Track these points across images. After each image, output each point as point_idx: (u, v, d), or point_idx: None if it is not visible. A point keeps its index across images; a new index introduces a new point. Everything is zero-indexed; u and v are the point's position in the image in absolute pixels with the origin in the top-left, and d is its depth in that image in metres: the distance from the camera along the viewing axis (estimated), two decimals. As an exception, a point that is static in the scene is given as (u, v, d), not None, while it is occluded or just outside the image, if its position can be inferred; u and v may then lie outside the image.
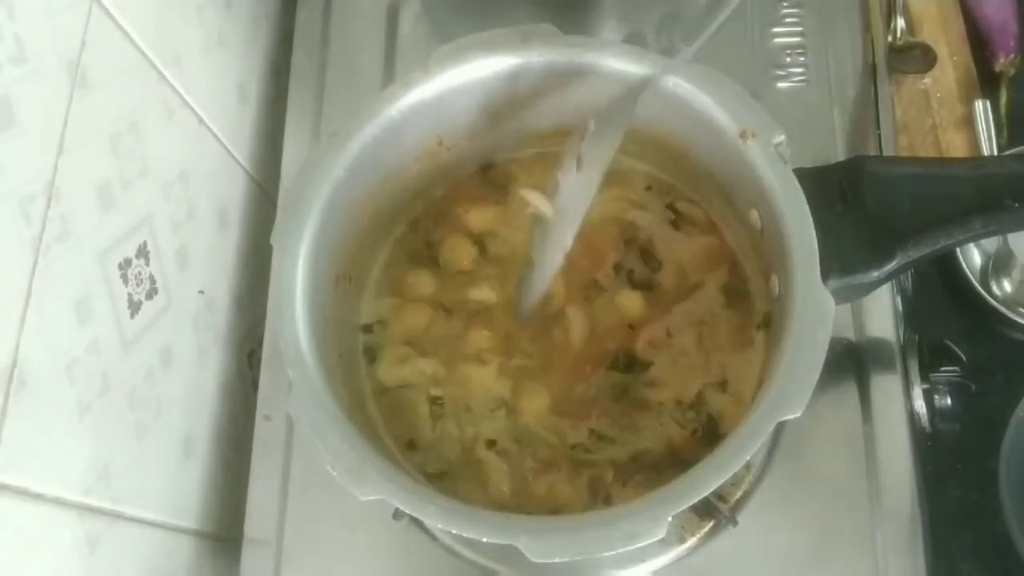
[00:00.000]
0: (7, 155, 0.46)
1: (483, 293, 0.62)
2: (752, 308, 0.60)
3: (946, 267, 0.74)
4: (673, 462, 0.57)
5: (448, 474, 0.57)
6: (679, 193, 0.64)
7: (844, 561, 0.61)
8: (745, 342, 0.60)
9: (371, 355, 0.61)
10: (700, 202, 0.63)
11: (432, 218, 0.65)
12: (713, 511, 0.62)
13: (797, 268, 0.51)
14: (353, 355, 0.61)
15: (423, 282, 0.63)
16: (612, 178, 0.64)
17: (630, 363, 0.60)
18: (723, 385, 0.59)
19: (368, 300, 0.63)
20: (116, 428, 0.57)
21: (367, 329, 0.62)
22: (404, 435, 0.59)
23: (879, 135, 0.73)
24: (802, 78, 0.74)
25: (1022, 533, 0.64)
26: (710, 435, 0.57)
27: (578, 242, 0.58)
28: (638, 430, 0.58)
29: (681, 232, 0.63)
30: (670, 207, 0.63)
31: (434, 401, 0.59)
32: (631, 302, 0.61)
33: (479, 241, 0.64)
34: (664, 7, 0.76)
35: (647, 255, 0.62)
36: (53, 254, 0.50)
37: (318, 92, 0.77)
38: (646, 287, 0.62)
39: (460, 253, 0.63)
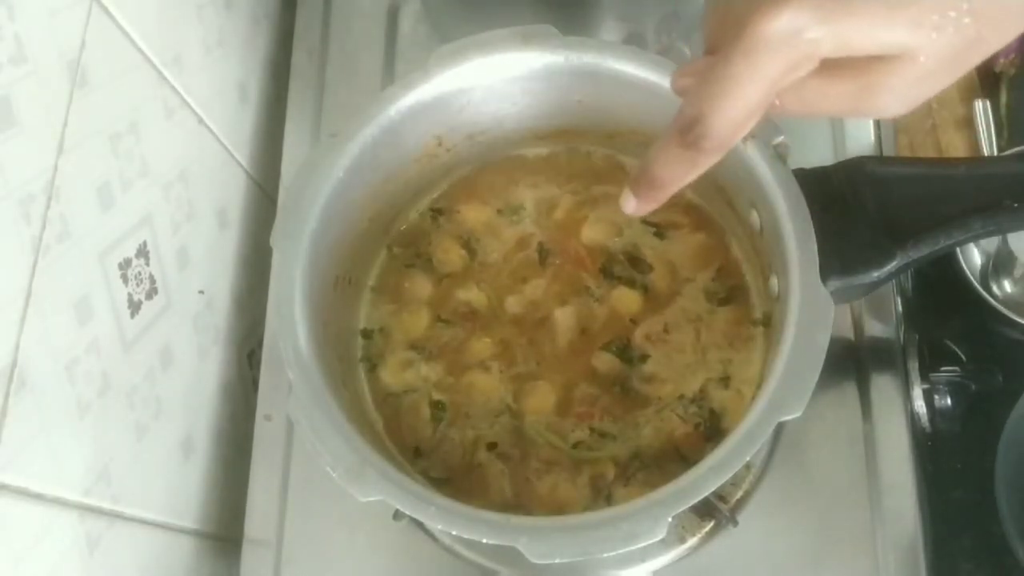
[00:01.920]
0: (7, 155, 0.46)
1: (471, 294, 0.62)
2: (748, 302, 0.60)
3: (946, 267, 0.74)
4: (675, 458, 0.57)
5: (452, 479, 0.57)
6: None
7: (844, 561, 0.61)
8: (744, 337, 0.60)
9: (370, 362, 0.61)
10: (686, 197, 0.63)
11: (429, 220, 0.65)
12: (713, 511, 0.62)
13: (797, 268, 0.51)
14: (352, 359, 0.61)
15: (420, 286, 0.63)
16: (592, 199, 0.64)
17: (625, 348, 0.60)
18: (725, 381, 0.59)
19: (367, 305, 0.63)
20: (116, 428, 0.57)
21: (366, 335, 0.62)
22: (408, 441, 0.59)
23: (879, 135, 0.73)
24: (802, 78, 0.74)
25: (1018, 532, 0.64)
26: (712, 430, 0.57)
27: (565, 256, 0.61)
28: (639, 426, 0.58)
29: (666, 239, 0.63)
30: (646, 222, 0.63)
31: (435, 406, 0.59)
32: (629, 298, 0.61)
33: (473, 244, 0.64)
34: (664, 7, 0.76)
35: (636, 261, 0.62)
36: (53, 254, 0.50)
37: (318, 92, 0.77)
38: (640, 288, 0.62)
39: (452, 255, 0.63)
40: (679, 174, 0.42)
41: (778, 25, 0.35)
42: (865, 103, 0.38)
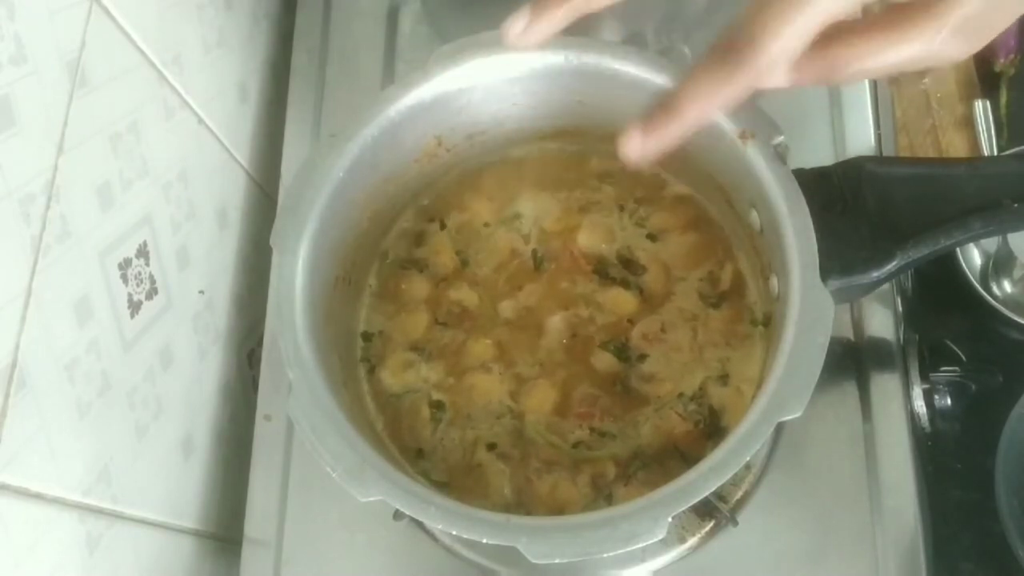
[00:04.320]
0: (7, 155, 0.46)
1: (462, 293, 0.62)
2: (744, 301, 0.61)
3: (946, 267, 0.74)
4: (675, 457, 0.57)
5: (452, 479, 0.57)
6: (649, 208, 0.64)
7: (844, 561, 0.61)
8: (741, 336, 0.60)
9: (370, 362, 0.61)
10: (684, 196, 0.64)
11: (428, 220, 0.65)
12: (713, 511, 0.62)
13: (797, 268, 0.51)
14: (352, 359, 0.61)
15: (418, 287, 0.63)
16: (584, 206, 0.64)
17: (623, 348, 0.60)
18: (724, 379, 0.59)
19: (366, 306, 0.63)
20: (116, 428, 0.57)
21: (366, 337, 0.62)
22: (408, 442, 0.59)
23: (879, 135, 0.73)
24: (802, 78, 0.74)
25: (1017, 531, 0.64)
26: (712, 428, 0.58)
27: (560, 260, 0.61)
28: (639, 425, 0.58)
29: (659, 241, 0.63)
30: (640, 224, 0.64)
31: (435, 406, 0.59)
32: (624, 299, 0.61)
33: (470, 246, 0.64)
34: (664, 7, 0.76)
35: (629, 263, 0.63)
36: (53, 254, 0.50)
37: (318, 92, 0.77)
38: (635, 288, 0.62)
39: (447, 257, 0.63)
40: (706, 97, 0.40)
41: None
42: (933, 44, 0.38)
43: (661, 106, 0.41)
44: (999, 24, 0.39)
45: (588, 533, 0.47)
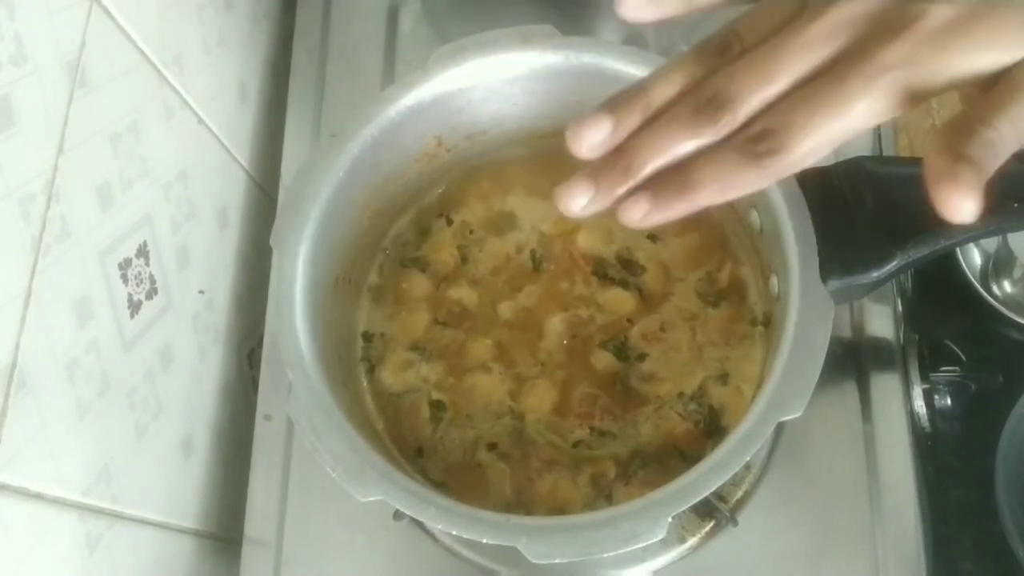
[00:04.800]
0: (7, 155, 0.46)
1: (463, 292, 0.62)
2: (743, 300, 0.61)
3: (946, 267, 0.74)
4: (675, 456, 0.57)
5: (452, 479, 0.57)
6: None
7: (844, 561, 0.61)
8: (740, 335, 0.60)
9: (370, 362, 0.61)
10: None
11: (428, 220, 0.65)
12: (713, 511, 0.62)
13: (797, 268, 0.51)
14: (353, 359, 0.61)
15: (418, 287, 0.63)
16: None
17: (622, 347, 0.60)
18: (724, 378, 0.59)
19: (366, 305, 0.63)
20: (116, 428, 0.57)
21: (366, 337, 0.62)
22: (409, 441, 0.59)
23: (879, 135, 0.73)
24: (802, 78, 0.74)
25: (1017, 531, 0.64)
26: (712, 427, 0.58)
27: (559, 261, 0.61)
28: (639, 424, 0.58)
29: (660, 242, 0.63)
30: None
31: (435, 406, 0.59)
32: (622, 299, 0.61)
33: (469, 246, 0.64)
34: (664, 7, 0.76)
35: (628, 264, 0.63)
36: (53, 254, 0.50)
37: (318, 92, 0.78)
38: (634, 288, 0.62)
39: (448, 256, 0.63)
40: (732, 184, 0.36)
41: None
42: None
43: (685, 175, 0.36)
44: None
45: (588, 533, 0.47)
